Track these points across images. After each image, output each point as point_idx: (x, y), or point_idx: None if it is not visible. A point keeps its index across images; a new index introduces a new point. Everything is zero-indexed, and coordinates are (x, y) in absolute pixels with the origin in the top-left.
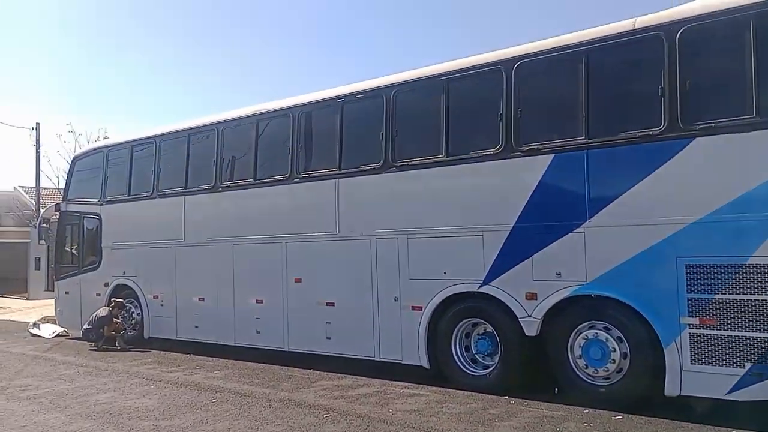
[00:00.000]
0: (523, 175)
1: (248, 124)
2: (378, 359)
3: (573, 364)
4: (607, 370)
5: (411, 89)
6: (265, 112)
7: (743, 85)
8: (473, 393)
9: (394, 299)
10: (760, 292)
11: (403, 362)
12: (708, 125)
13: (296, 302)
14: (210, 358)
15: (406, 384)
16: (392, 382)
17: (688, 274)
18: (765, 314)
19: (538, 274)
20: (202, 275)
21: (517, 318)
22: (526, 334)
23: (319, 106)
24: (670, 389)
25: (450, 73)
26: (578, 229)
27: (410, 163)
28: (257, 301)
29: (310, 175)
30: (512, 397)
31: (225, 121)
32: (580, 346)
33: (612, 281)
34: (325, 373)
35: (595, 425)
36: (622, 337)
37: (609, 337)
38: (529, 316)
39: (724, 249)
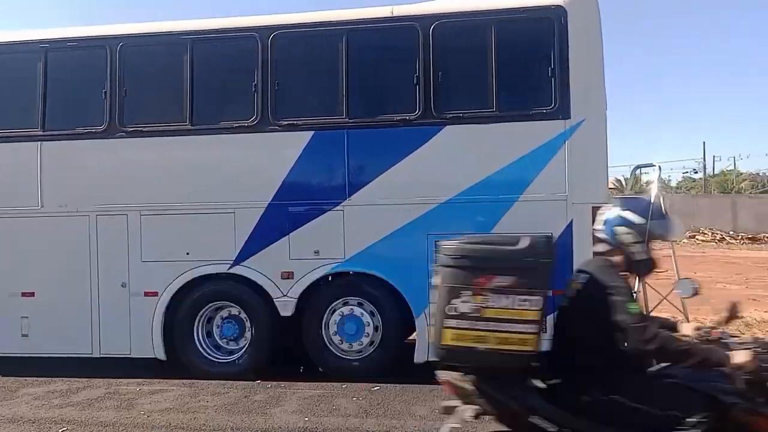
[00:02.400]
0: (280, 150)
1: None
2: (98, 356)
3: (327, 341)
4: (361, 344)
5: (145, 44)
6: None
7: (486, 81)
8: (222, 382)
9: (122, 285)
10: None
11: (131, 356)
12: (457, 115)
13: None
14: None
15: (140, 380)
16: (120, 380)
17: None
18: None
19: (295, 253)
20: None
21: (271, 299)
22: (281, 314)
23: (8, 49)
24: (419, 356)
25: (198, 32)
26: (337, 208)
27: (145, 129)
28: None
29: None
30: (264, 380)
31: None
32: (335, 323)
33: (369, 258)
34: (23, 378)
35: (361, 397)
36: (375, 311)
37: (363, 311)
38: (285, 296)
39: (467, 227)
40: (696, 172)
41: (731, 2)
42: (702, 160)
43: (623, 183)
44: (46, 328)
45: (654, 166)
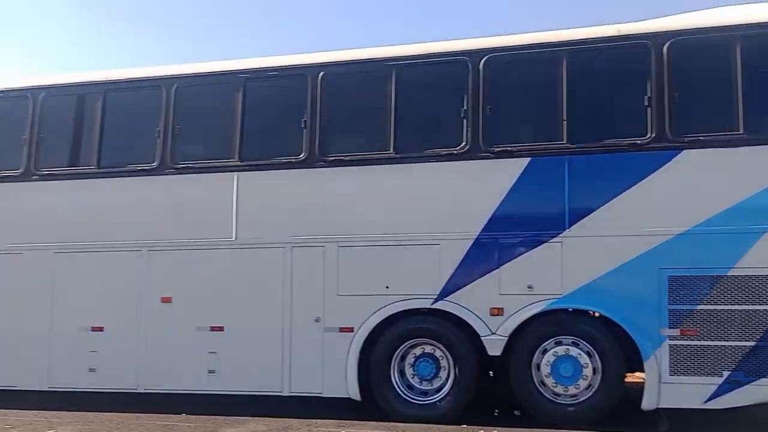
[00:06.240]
0: (492, 179)
1: (87, 95)
2: (287, 394)
3: (538, 384)
4: (578, 388)
5: (347, 72)
6: (115, 82)
7: (731, 101)
8: (425, 426)
9: (316, 320)
10: (739, 302)
11: (323, 395)
12: (696, 138)
13: (162, 328)
14: (13, 411)
15: (339, 422)
16: (316, 420)
17: (671, 286)
18: (742, 323)
19: (506, 288)
20: None
21: (479, 336)
22: (489, 353)
23: (200, 81)
24: (648, 402)
25: (403, 58)
26: (555, 239)
27: (346, 158)
28: (94, 329)
29: (194, 166)
30: (470, 426)
31: (46, 87)
32: (548, 364)
33: (591, 294)
34: (215, 417)
35: None
36: (592, 351)
37: (580, 352)
38: (494, 333)
39: (707, 261)
40: None
41: None
42: None
43: None
44: (235, 365)
45: None
